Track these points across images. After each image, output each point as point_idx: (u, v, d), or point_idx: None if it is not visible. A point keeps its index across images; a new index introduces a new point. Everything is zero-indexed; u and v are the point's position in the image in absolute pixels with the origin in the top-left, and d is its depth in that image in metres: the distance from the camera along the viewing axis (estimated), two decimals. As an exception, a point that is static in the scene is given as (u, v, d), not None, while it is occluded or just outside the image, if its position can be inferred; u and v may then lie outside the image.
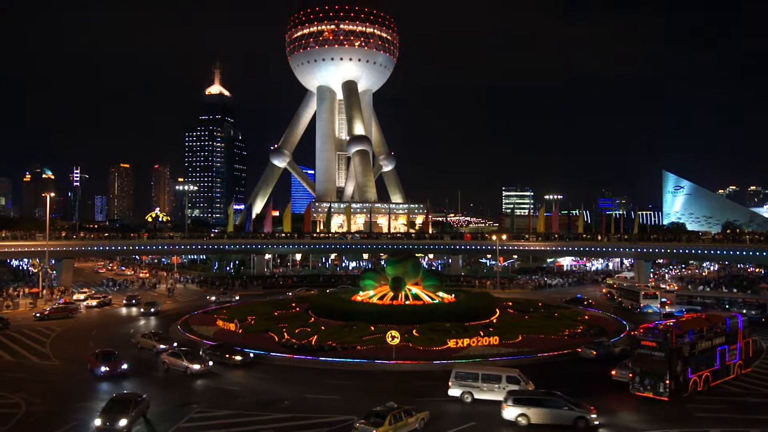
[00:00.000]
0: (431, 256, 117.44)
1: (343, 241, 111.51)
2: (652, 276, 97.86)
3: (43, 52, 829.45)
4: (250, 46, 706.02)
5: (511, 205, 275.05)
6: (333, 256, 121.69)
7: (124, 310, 66.48)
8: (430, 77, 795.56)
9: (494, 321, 51.47)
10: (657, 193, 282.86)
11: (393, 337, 39.37)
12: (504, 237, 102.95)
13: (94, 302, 69.40)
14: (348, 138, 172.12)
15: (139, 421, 27.70)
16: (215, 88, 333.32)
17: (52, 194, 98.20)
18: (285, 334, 45.66)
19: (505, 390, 30.81)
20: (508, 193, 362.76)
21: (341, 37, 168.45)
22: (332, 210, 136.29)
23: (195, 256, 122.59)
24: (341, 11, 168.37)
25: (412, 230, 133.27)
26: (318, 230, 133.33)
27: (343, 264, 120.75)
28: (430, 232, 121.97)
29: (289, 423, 28.27)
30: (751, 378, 36.77)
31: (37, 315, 59.44)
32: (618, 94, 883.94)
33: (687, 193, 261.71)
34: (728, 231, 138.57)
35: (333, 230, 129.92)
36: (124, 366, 37.00)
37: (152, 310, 63.10)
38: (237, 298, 73.54)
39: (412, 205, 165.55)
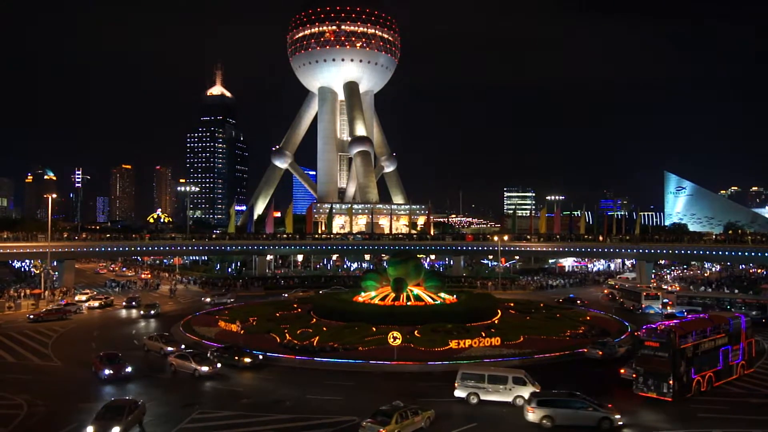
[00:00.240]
0: (433, 257, 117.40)
1: (344, 242, 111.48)
2: (653, 277, 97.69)
3: (43, 52, 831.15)
4: (251, 47, 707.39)
5: (513, 206, 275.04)
6: (334, 257, 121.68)
7: (123, 312, 66.31)
8: (430, 77, 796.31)
9: (496, 322, 51.36)
10: (659, 194, 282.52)
11: (395, 338, 39.33)
12: (505, 238, 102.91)
13: (96, 303, 69.47)
14: (349, 139, 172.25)
15: (134, 428, 26.91)
16: (217, 89, 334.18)
17: (54, 195, 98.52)
18: (287, 335, 45.65)
19: (511, 391, 30.88)
20: (509, 194, 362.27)
21: (343, 38, 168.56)
22: (334, 211, 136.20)
23: (197, 257, 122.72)
24: (343, 12, 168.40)
25: (413, 231, 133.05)
26: (319, 231, 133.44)
27: (345, 265, 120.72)
28: (432, 233, 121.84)
29: (291, 423, 28.21)
30: (754, 378, 36.71)
31: (31, 317, 59.11)
32: (619, 94, 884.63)
33: (689, 194, 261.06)
34: (730, 232, 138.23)
35: (334, 231, 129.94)
36: (129, 369, 36.66)
37: (152, 312, 62.27)
38: (231, 299, 72.39)
39: (414, 206, 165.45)
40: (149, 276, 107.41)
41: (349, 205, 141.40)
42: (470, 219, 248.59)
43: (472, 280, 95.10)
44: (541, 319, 53.38)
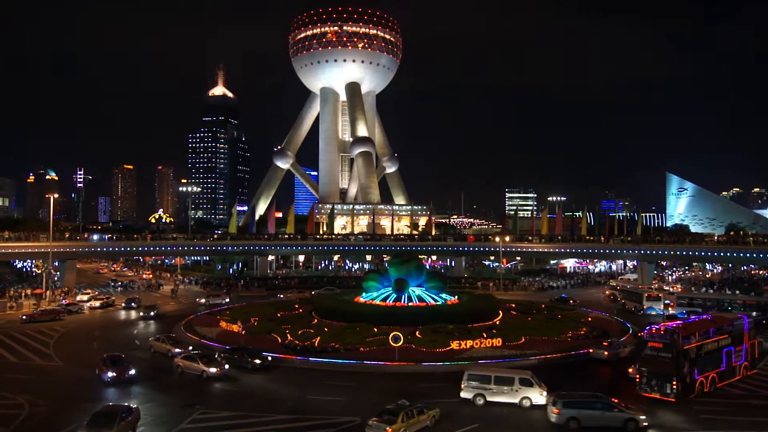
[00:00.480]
0: (434, 257, 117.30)
1: (346, 243, 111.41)
2: (655, 278, 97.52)
3: (43, 52, 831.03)
4: (253, 48, 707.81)
5: (514, 207, 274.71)
6: (336, 257, 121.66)
7: (123, 313, 65.96)
8: (431, 78, 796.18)
9: (497, 323, 51.27)
10: (660, 195, 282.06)
11: (396, 339, 39.25)
12: (507, 239, 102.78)
13: (97, 303, 69.53)
14: (351, 139, 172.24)
15: None
16: (218, 90, 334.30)
17: (56, 195, 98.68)
18: (288, 335, 45.60)
19: (518, 392, 30.90)
20: (511, 195, 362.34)
21: (344, 39, 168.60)
22: (335, 211, 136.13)
23: (198, 258, 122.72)
24: (344, 13, 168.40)
25: (415, 232, 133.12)
26: (321, 232, 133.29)
27: (346, 266, 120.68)
28: (433, 233, 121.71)
29: (292, 424, 28.15)
30: (756, 379, 36.60)
31: (24, 317, 58.95)
32: (619, 94, 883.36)
33: (690, 195, 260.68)
34: (732, 233, 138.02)
35: (336, 232, 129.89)
36: (132, 371, 36.00)
37: (152, 313, 61.49)
38: (227, 300, 72.08)
39: (415, 207, 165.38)
40: (151, 276, 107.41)
41: (351, 206, 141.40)
42: (472, 220, 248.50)
43: (474, 281, 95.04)
44: (542, 320, 53.26)
